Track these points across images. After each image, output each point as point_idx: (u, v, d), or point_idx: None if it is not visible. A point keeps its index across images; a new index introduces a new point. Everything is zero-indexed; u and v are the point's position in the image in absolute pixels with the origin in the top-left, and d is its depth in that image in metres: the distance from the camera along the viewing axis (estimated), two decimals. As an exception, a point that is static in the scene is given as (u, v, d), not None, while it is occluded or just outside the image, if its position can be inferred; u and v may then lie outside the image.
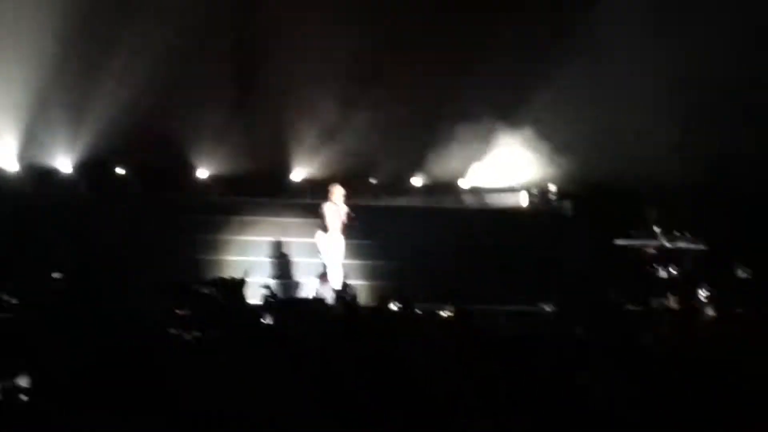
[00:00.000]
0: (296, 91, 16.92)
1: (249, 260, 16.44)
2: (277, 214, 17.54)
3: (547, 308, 8.69)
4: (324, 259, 15.65)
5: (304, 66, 16.69)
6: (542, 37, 17.22)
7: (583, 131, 17.02)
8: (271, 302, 8.23)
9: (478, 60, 17.00)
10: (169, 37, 15.80)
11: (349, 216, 15.54)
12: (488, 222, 17.75)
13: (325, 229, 15.64)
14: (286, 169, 18.02)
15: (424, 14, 16.91)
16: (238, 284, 7.22)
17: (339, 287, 14.91)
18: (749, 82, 16.33)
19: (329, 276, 15.50)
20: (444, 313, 9.85)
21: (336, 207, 15.66)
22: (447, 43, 16.98)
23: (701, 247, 16.29)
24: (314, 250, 16.11)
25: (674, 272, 15.12)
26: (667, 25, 16.67)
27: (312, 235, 16.09)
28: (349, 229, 15.55)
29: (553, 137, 17.91)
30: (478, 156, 18.55)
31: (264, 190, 17.80)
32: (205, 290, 7.69)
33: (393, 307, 10.93)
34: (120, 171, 17.12)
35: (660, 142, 16.74)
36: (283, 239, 17.14)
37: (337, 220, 15.63)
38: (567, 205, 19.15)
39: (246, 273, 7.98)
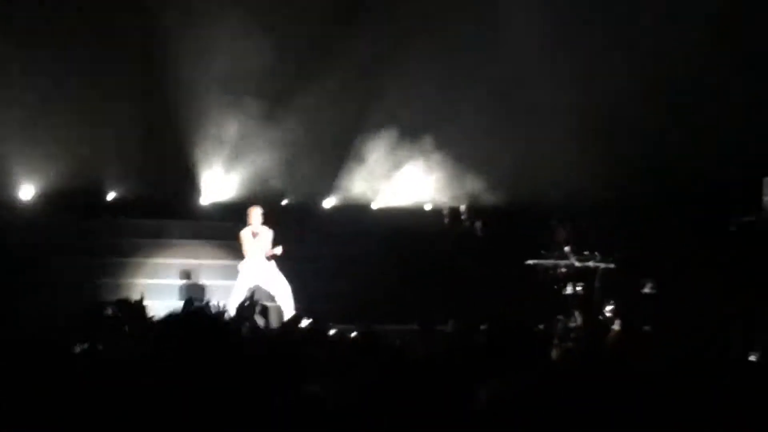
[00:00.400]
0: (202, 110, 16.79)
1: (159, 283, 16.35)
2: (186, 237, 17.45)
3: (449, 328, 8.68)
4: (238, 285, 15.39)
5: (210, 85, 16.57)
6: (447, 57, 17.29)
7: (493, 151, 17.12)
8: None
9: (387, 79, 17.02)
10: (69, 57, 15.54)
11: (274, 245, 15.36)
12: (398, 241, 17.80)
13: (245, 255, 15.47)
14: (193, 192, 17.77)
15: (331, 32, 16.90)
16: (138, 304, 7.11)
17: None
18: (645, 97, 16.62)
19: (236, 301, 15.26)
20: (352, 334, 9.78)
21: (254, 231, 15.53)
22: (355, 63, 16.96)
23: (610, 265, 16.49)
24: (225, 273, 16.07)
25: (581, 290, 15.28)
26: (570, 44, 16.89)
27: (223, 257, 16.05)
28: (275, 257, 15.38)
29: (463, 157, 17.97)
30: (388, 177, 18.54)
31: (171, 213, 17.63)
32: (108, 311, 7.62)
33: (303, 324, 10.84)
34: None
35: (567, 161, 16.91)
36: (194, 261, 17.03)
37: (257, 245, 15.49)
38: (478, 224, 19.28)
39: (142, 295, 7.85)
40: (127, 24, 15.91)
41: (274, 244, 15.40)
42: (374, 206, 18.92)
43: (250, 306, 7.98)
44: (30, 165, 16.17)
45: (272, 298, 15.48)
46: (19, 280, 14.28)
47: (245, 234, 15.49)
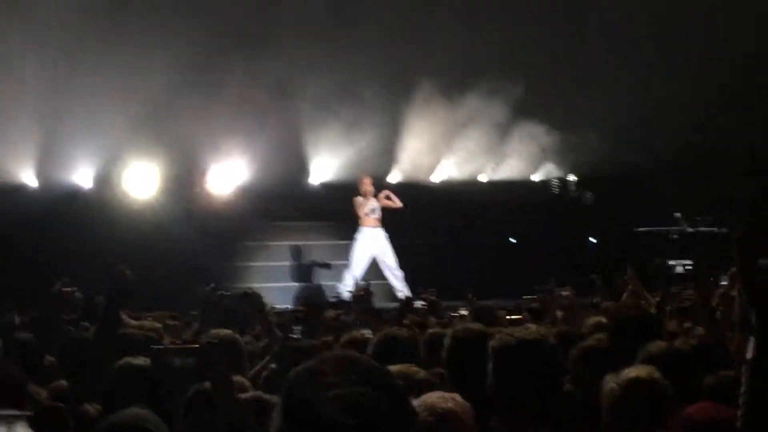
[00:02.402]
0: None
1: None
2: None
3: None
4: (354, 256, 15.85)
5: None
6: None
7: (597, 118, 16.94)
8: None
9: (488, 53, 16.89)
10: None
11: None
12: (507, 214, 17.77)
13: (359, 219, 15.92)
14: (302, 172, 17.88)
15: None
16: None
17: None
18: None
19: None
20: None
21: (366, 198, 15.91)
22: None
23: (723, 229, 16.21)
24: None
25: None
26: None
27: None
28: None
29: (568, 127, 17.80)
30: (493, 150, 18.47)
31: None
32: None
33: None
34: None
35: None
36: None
37: (370, 212, 15.89)
38: (588, 195, 19.10)
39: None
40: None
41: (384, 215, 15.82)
42: (481, 179, 18.83)
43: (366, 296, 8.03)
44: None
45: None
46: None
47: (358, 199, 15.86)
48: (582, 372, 4.72)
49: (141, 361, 4.56)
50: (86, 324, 7.38)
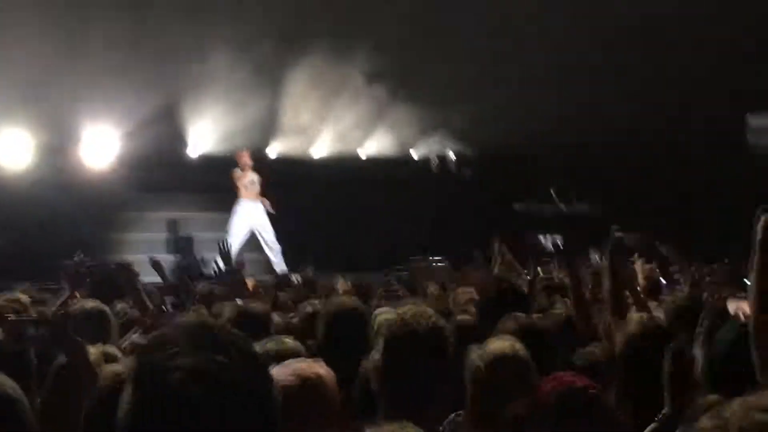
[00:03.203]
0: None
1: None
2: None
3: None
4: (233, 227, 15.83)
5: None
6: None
7: (478, 96, 17.08)
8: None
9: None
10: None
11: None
12: (387, 190, 17.88)
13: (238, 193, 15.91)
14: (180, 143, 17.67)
15: None
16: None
17: None
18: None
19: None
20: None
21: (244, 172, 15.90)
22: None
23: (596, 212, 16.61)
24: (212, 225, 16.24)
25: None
26: None
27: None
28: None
29: (446, 103, 17.92)
30: (372, 126, 18.52)
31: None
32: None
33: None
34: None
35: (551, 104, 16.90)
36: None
37: (249, 186, 15.91)
38: (466, 171, 19.34)
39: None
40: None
41: (263, 192, 15.71)
42: (361, 155, 18.87)
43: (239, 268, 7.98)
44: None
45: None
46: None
47: (236, 172, 15.79)
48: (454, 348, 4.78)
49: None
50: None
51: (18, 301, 6.54)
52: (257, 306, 5.61)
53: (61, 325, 4.23)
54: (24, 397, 3.59)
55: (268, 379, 2.00)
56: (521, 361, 3.78)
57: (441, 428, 3.77)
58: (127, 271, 6.53)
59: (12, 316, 4.90)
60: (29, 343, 4.32)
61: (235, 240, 15.46)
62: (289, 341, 4.27)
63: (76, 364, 4.05)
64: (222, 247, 7.58)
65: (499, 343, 3.87)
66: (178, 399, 1.86)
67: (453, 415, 3.88)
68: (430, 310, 3.86)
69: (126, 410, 1.91)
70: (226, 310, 5.74)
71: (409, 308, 3.86)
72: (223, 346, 1.93)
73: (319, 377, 3.46)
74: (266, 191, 16.06)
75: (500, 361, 3.76)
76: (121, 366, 3.85)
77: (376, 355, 3.75)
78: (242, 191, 15.84)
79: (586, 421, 3.06)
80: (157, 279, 8.59)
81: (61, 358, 4.20)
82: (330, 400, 3.47)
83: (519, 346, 3.82)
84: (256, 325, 5.01)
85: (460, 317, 5.52)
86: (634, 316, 5.43)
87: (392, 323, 3.76)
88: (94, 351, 4.41)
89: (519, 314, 4.75)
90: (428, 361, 3.60)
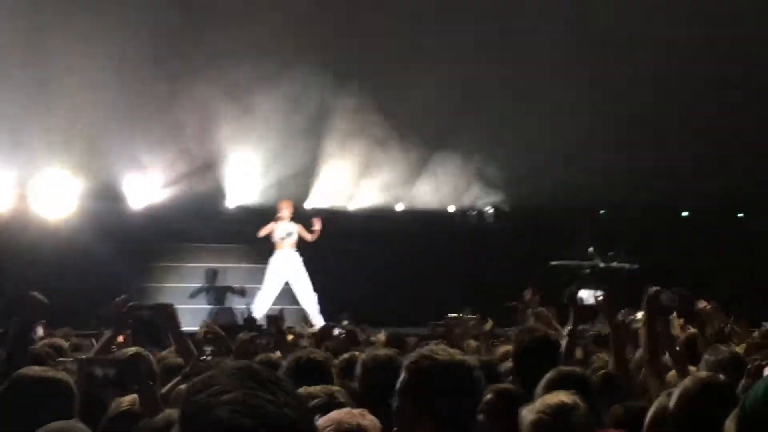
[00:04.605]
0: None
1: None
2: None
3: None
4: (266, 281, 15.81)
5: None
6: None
7: (515, 153, 17.11)
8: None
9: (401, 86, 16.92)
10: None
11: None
12: (425, 244, 17.86)
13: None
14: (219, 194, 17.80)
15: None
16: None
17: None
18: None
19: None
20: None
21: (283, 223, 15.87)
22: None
23: (634, 266, 16.49)
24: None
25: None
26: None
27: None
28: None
29: (484, 159, 17.97)
30: (408, 180, 18.56)
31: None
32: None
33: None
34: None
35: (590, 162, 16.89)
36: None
37: (286, 237, 15.84)
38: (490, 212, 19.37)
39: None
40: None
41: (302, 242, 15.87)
42: (398, 209, 18.88)
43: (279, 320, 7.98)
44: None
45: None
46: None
47: (270, 224, 15.88)
48: (495, 406, 4.76)
49: (39, 371, 4.43)
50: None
51: (58, 345, 6.58)
52: (317, 354, 5.58)
53: (131, 367, 4.25)
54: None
55: (311, 419, 2.04)
56: (583, 412, 3.78)
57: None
58: (168, 313, 6.49)
59: (82, 356, 4.93)
60: (101, 383, 4.33)
61: (271, 292, 15.52)
62: (336, 389, 4.28)
63: (147, 406, 4.07)
64: (245, 316, 7.61)
65: (561, 395, 3.87)
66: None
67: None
68: (453, 350, 3.89)
69: None
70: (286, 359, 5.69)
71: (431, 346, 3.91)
72: (266, 385, 1.98)
73: (360, 428, 3.46)
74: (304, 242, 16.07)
75: (562, 412, 3.76)
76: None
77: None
78: (277, 243, 15.85)
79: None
80: (194, 327, 8.61)
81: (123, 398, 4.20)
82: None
83: (578, 399, 3.82)
84: (315, 373, 5.02)
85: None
86: (673, 372, 5.40)
87: (414, 355, 3.81)
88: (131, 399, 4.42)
89: (564, 367, 4.74)
90: (450, 390, 3.62)
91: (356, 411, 3.56)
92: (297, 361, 5.30)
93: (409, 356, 3.85)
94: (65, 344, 7.48)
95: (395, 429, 3.66)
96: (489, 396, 4.60)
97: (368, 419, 3.51)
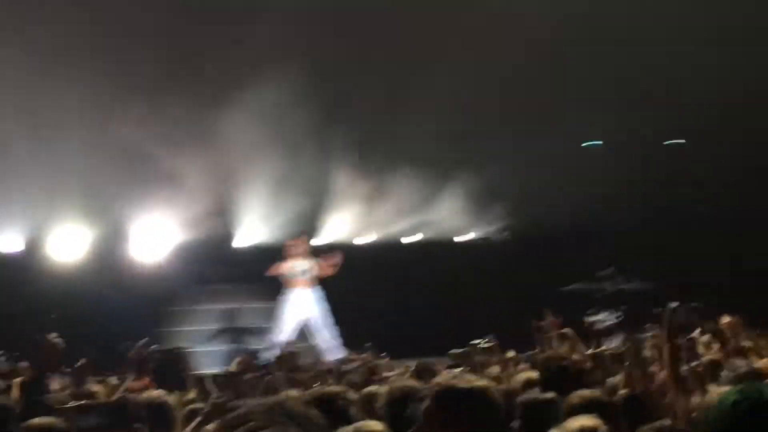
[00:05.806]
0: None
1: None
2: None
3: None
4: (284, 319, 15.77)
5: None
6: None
7: (525, 179, 17.14)
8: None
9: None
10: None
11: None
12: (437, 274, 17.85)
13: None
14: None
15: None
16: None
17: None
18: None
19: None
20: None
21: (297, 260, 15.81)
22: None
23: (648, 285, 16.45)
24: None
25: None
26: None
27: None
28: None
29: (493, 186, 17.99)
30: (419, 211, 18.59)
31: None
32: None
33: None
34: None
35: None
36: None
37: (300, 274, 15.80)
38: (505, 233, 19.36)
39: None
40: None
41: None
42: (407, 240, 18.89)
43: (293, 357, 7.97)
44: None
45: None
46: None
47: (279, 264, 15.84)
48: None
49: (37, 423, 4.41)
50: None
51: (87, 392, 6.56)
52: (336, 389, 5.56)
53: (121, 413, 4.24)
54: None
55: None
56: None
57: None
58: (181, 357, 6.51)
59: (73, 404, 4.92)
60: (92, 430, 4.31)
61: (287, 331, 15.44)
62: (374, 423, 4.28)
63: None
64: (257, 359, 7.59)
65: (583, 420, 3.87)
66: None
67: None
68: (474, 376, 3.92)
69: None
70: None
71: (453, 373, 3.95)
72: (296, 419, 2.00)
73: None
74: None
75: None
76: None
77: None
78: (290, 281, 15.80)
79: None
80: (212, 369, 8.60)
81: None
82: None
83: (599, 422, 3.83)
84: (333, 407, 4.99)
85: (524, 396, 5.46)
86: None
87: (436, 382, 3.90)
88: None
89: (585, 390, 4.72)
90: (471, 416, 3.68)
91: None
92: (316, 396, 5.28)
93: (432, 383, 3.89)
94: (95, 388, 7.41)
95: None
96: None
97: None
